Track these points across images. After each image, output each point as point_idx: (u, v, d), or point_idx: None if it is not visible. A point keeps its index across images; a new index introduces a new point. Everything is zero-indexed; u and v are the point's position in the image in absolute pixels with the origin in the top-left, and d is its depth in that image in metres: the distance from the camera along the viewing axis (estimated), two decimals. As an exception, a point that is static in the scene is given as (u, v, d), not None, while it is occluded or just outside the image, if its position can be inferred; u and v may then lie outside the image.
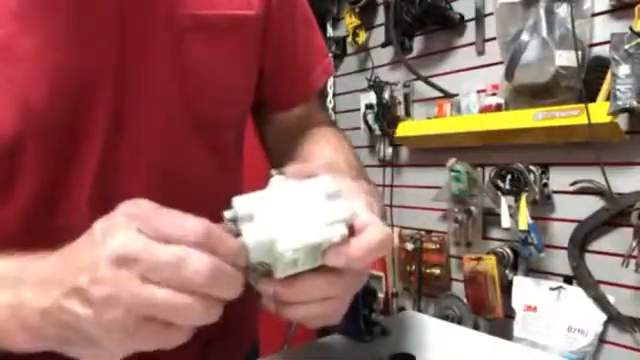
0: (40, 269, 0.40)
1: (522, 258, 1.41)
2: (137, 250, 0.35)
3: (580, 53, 1.20)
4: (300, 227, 0.39)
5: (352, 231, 0.41)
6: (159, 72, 0.56)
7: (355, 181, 0.46)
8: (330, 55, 1.99)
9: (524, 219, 1.30)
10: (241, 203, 0.40)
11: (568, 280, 1.34)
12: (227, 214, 0.40)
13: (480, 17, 1.54)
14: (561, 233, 1.35)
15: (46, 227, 0.47)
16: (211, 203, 0.43)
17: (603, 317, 1.25)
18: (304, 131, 0.72)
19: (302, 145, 0.69)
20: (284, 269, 0.39)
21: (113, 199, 0.49)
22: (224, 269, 0.36)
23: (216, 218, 0.40)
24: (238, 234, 0.39)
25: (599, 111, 1.15)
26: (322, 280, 0.40)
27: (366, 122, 1.84)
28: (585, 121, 1.16)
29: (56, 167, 0.52)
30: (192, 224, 0.37)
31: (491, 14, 1.48)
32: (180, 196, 0.45)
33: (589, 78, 1.21)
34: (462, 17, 1.57)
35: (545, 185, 1.36)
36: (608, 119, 1.13)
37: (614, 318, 1.24)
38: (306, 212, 0.40)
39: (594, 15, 1.26)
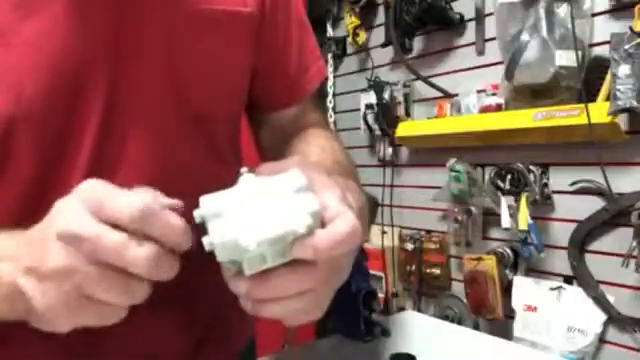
0: (10, 245, 0.42)
1: (522, 258, 1.41)
2: (82, 231, 0.37)
3: (580, 53, 1.20)
4: (264, 221, 0.39)
5: (323, 223, 0.41)
6: (152, 64, 0.56)
7: (330, 176, 0.46)
8: (329, 55, 2.01)
9: (524, 219, 1.30)
10: (208, 202, 0.40)
11: (568, 280, 1.34)
12: (196, 213, 0.40)
13: (480, 17, 1.54)
14: (561, 233, 1.35)
15: (38, 218, 0.48)
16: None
17: (603, 317, 1.26)
18: (297, 132, 0.72)
19: (293, 146, 0.70)
20: (252, 265, 0.39)
21: None
22: (162, 255, 0.38)
23: None
24: (205, 233, 0.39)
25: (599, 111, 1.15)
26: (294, 274, 0.40)
27: (366, 122, 1.84)
28: (585, 121, 1.16)
29: (49, 155, 0.53)
30: (128, 205, 0.38)
31: (491, 14, 1.48)
32: (174, 190, 0.45)
33: (589, 78, 1.21)
34: (462, 17, 1.57)
35: (545, 185, 1.36)
36: (608, 119, 1.13)
37: (614, 318, 1.24)
38: (272, 207, 0.40)
39: (594, 15, 1.26)
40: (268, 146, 0.77)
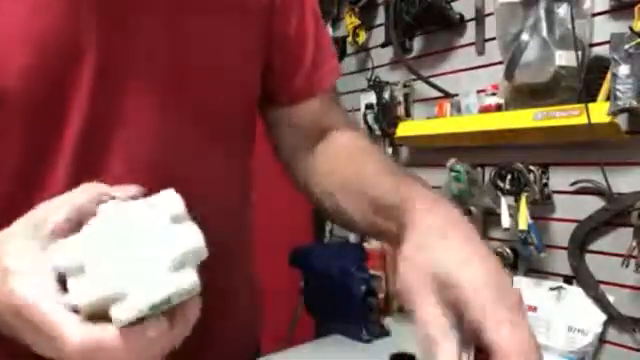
0: None
1: (522, 258, 1.41)
2: None
3: (580, 53, 1.20)
4: (140, 282, 0.33)
5: None
6: (150, 49, 0.55)
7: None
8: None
9: (524, 219, 1.29)
10: (67, 250, 0.34)
11: (568, 280, 1.34)
12: (53, 264, 0.35)
13: (480, 17, 1.54)
14: (561, 233, 1.34)
15: (25, 201, 0.46)
16: (205, 194, 0.42)
17: (603, 317, 1.25)
18: (319, 133, 0.71)
19: (324, 157, 0.67)
20: (125, 326, 0.33)
21: (93, 175, 0.50)
22: None
23: (212, 214, 0.39)
24: (64, 286, 0.34)
25: (599, 111, 1.15)
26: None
27: (366, 122, 1.84)
28: (585, 121, 1.15)
29: (37, 134, 0.52)
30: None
31: (491, 14, 1.48)
32: (169, 175, 0.44)
33: (589, 78, 1.21)
34: (462, 17, 1.57)
35: (545, 185, 1.36)
36: (608, 119, 1.13)
37: (614, 318, 1.24)
38: (147, 252, 0.33)
39: (594, 15, 1.26)
40: (285, 145, 0.74)
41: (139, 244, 0.34)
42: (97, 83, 0.53)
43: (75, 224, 0.37)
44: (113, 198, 0.38)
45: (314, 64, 0.72)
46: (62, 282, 0.35)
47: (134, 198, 0.39)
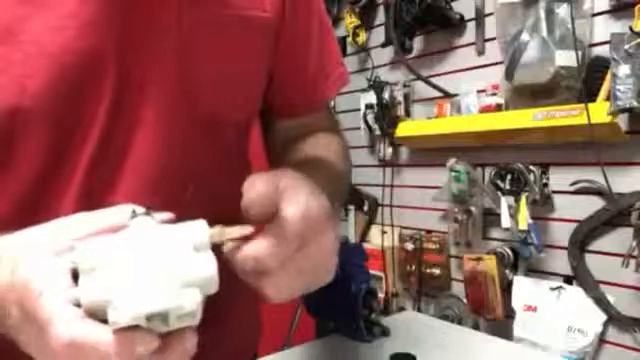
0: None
1: (522, 258, 1.41)
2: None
3: (580, 53, 1.20)
4: (146, 289, 0.33)
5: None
6: (164, 66, 0.55)
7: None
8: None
9: (524, 219, 1.30)
10: (85, 250, 0.35)
11: (568, 280, 1.34)
12: (70, 258, 0.36)
13: (480, 17, 1.54)
14: (561, 233, 1.35)
15: (33, 219, 0.47)
16: (210, 204, 0.43)
17: (603, 317, 1.26)
18: (307, 132, 0.71)
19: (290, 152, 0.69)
20: (123, 329, 0.34)
21: (103, 194, 0.49)
22: None
23: (212, 219, 0.40)
24: (76, 280, 0.35)
25: (599, 111, 1.15)
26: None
27: (366, 122, 1.85)
28: (585, 121, 1.16)
29: (53, 151, 0.52)
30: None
31: (491, 14, 1.48)
32: (178, 192, 0.44)
33: (589, 78, 1.21)
34: (462, 17, 1.57)
35: (545, 185, 1.36)
36: (608, 119, 1.13)
37: (614, 318, 1.24)
38: (160, 268, 0.34)
39: (594, 15, 1.26)
40: (275, 153, 0.75)
41: (155, 260, 0.35)
42: (115, 100, 0.53)
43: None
44: (148, 214, 0.39)
45: (317, 79, 0.72)
46: (76, 277, 0.36)
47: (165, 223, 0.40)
